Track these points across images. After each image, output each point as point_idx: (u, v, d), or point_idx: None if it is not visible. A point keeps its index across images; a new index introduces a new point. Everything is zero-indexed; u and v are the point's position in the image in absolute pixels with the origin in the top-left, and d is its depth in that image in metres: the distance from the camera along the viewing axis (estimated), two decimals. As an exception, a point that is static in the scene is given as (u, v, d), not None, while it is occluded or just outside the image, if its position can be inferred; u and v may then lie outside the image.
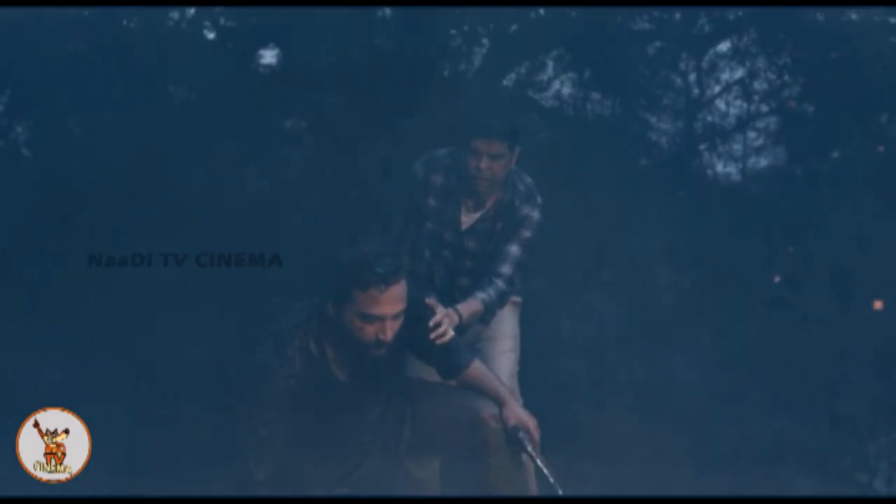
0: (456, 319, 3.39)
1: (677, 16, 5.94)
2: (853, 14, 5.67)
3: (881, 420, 4.85)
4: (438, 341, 3.07)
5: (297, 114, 5.87)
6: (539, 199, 3.64)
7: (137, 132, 5.10)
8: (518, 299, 3.80)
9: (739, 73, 6.13)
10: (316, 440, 2.93)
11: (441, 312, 3.13)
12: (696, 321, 5.61)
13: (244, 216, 4.60)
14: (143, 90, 5.41)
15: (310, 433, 2.92)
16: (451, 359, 3.10)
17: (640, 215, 5.74)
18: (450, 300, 3.52)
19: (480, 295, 3.54)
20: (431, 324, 3.05)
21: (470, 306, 3.51)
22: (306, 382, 2.86)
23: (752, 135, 6.22)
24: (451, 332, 3.14)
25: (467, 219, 3.64)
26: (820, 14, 5.78)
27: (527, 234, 3.59)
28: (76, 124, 5.40)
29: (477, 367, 3.13)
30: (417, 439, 3.08)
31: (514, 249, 3.58)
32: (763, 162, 6.25)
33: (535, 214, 3.59)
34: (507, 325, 3.75)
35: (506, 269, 3.59)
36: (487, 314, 3.61)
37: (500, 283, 3.59)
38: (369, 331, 2.78)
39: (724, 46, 6.13)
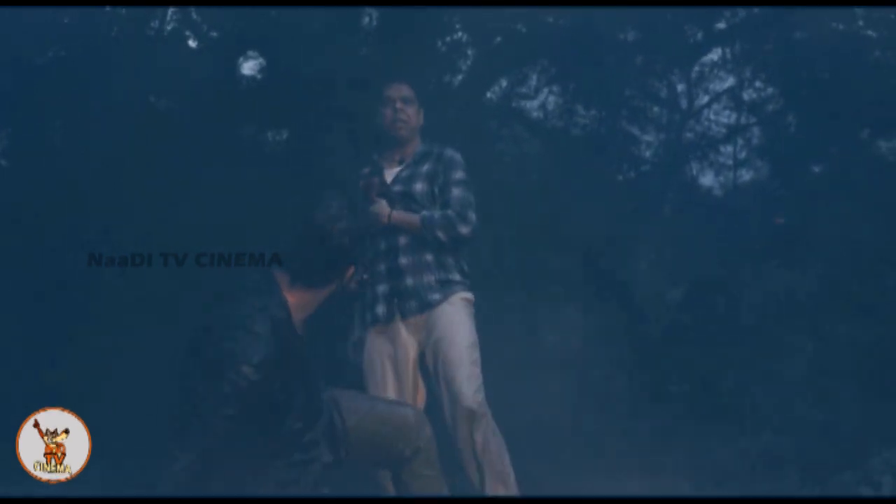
0: (387, 212, 3.63)
1: (662, 27, 5.95)
2: (839, 26, 5.71)
3: (884, 432, 4.83)
4: None
5: (280, 122, 5.82)
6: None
7: (118, 136, 5.04)
8: (469, 296, 3.71)
9: (725, 85, 6.19)
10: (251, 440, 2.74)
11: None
12: (685, 333, 5.59)
13: (243, 216, 4.56)
14: (124, 96, 5.34)
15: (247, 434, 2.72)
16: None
17: (626, 227, 5.74)
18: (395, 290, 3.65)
19: (423, 212, 3.66)
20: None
21: (407, 214, 3.65)
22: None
23: (738, 147, 6.26)
24: None
25: (390, 172, 3.79)
26: (805, 30, 5.82)
27: (459, 174, 3.74)
28: (56, 130, 5.33)
29: None
30: (355, 452, 3.00)
31: (455, 192, 3.70)
32: (747, 175, 6.29)
33: (458, 156, 3.77)
34: (459, 320, 3.61)
35: (454, 207, 3.66)
36: (425, 230, 3.64)
37: (449, 213, 3.64)
38: None
39: (710, 58, 6.19)
